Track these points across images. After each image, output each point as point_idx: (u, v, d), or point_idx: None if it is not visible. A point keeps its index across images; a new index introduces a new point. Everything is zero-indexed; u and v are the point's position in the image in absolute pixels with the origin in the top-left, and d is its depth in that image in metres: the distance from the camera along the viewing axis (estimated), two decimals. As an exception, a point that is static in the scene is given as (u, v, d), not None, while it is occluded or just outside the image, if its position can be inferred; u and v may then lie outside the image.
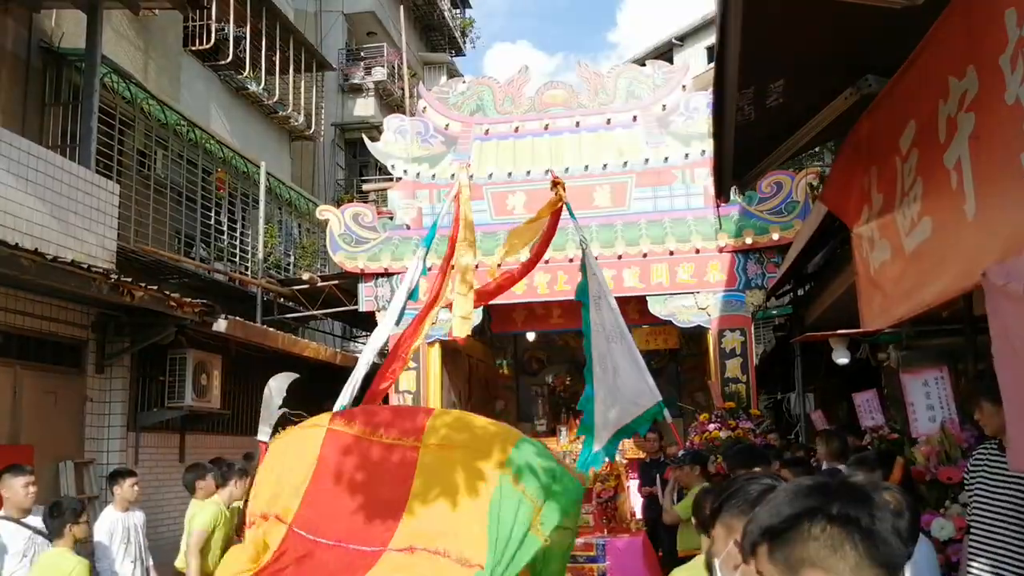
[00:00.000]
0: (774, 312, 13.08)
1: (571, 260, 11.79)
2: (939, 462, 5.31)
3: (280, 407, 11.61)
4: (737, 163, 5.67)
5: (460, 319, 8.04)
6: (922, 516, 4.98)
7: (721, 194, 6.07)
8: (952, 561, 4.90)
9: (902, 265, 4.39)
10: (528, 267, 8.61)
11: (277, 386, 11.73)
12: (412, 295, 9.26)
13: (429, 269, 10.06)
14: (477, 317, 12.70)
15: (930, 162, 3.86)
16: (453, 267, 9.04)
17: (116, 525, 7.93)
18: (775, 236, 12.03)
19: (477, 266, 9.07)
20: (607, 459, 8.89)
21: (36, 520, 6.84)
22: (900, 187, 4.29)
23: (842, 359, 8.59)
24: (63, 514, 6.50)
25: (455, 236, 8.67)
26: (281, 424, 11.46)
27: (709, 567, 2.73)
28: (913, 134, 4.11)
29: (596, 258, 12.21)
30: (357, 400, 9.21)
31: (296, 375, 12.24)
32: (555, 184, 8.50)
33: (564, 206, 8.53)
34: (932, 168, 3.83)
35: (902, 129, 4.23)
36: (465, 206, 8.15)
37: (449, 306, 8.88)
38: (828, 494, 1.66)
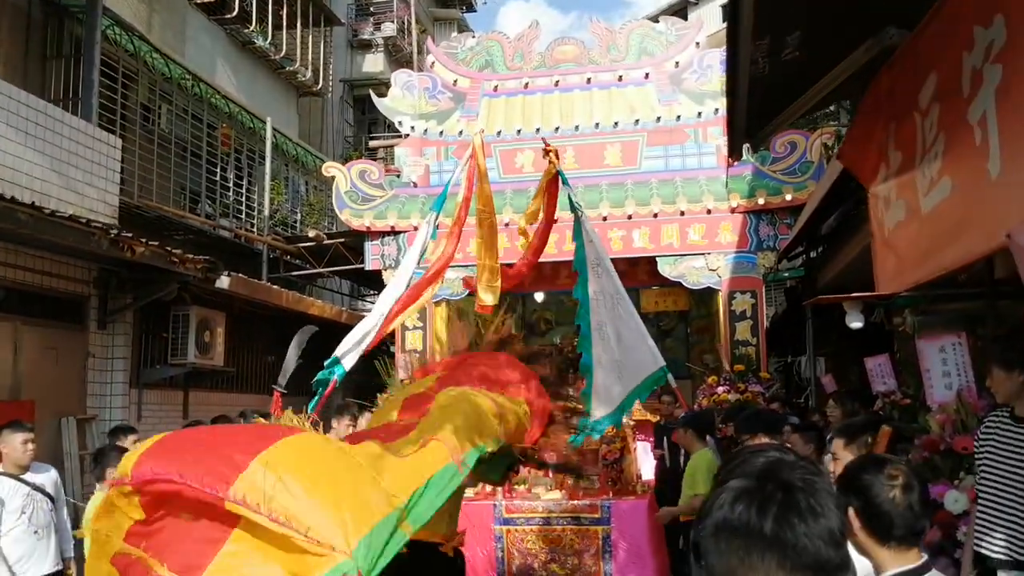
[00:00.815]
0: (786, 274, 12.90)
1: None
2: (954, 431, 5.16)
3: (298, 359, 11.56)
4: (750, 119, 5.49)
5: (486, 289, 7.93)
6: (935, 488, 4.83)
7: (733, 151, 5.89)
8: (961, 530, 4.76)
9: (919, 226, 4.22)
10: (538, 251, 8.42)
11: (299, 339, 11.67)
12: (420, 259, 9.14)
13: (439, 228, 9.93)
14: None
15: (952, 117, 3.68)
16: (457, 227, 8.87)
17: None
18: (788, 197, 11.83)
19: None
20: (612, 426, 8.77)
21: (35, 477, 6.80)
22: (920, 144, 4.11)
23: (856, 323, 8.40)
24: (105, 457, 6.57)
25: (468, 196, 8.51)
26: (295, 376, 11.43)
27: None
28: (934, 88, 3.92)
29: (605, 219, 12.12)
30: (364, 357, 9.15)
31: (316, 328, 12.21)
32: (547, 151, 8.31)
33: (558, 173, 8.35)
34: (954, 124, 3.65)
35: (922, 83, 4.04)
36: (486, 202, 7.96)
37: (482, 280, 8.72)
38: (737, 499, 1.55)
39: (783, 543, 1.47)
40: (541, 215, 8.27)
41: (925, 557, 2.76)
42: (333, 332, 13.81)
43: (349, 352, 8.67)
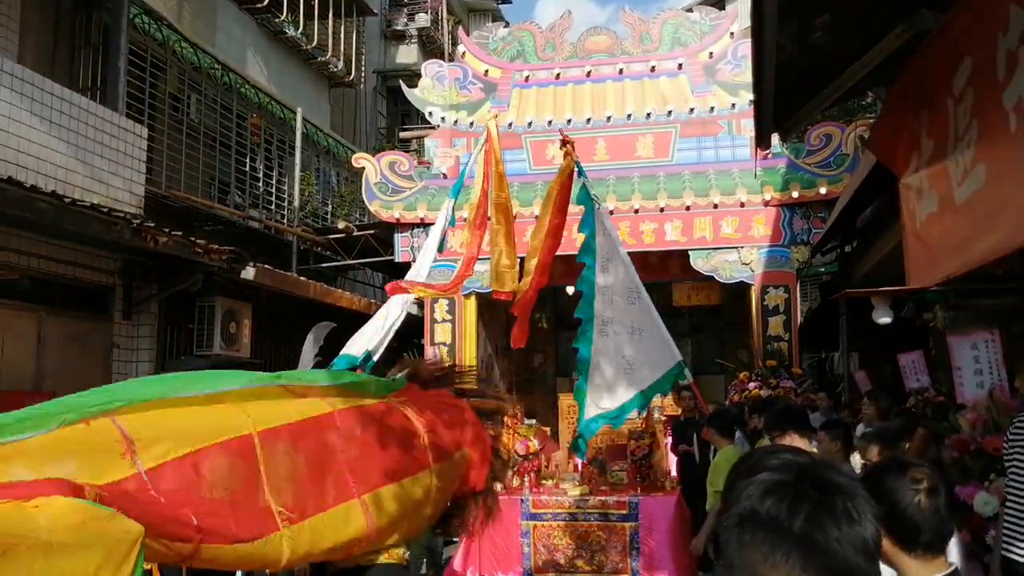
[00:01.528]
0: (821, 269, 12.70)
1: (611, 212, 11.45)
2: (985, 431, 4.97)
3: (316, 356, 11.47)
4: (779, 107, 5.31)
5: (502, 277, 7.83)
6: (965, 489, 4.65)
7: (762, 141, 5.71)
8: (990, 534, 4.58)
9: (951, 217, 4.04)
10: (552, 251, 8.25)
11: (315, 336, 11.60)
12: (440, 247, 9.04)
13: (459, 219, 9.82)
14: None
15: (987, 103, 3.50)
16: (490, 219, 8.78)
17: None
18: (823, 190, 11.62)
19: (516, 216, 8.84)
20: (610, 425, 8.64)
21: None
22: (953, 132, 3.93)
23: (884, 319, 8.21)
24: None
25: (485, 188, 8.39)
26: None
27: None
28: (969, 72, 3.74)
29: (637, 211, 11.96)
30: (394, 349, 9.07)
31: (333, 324, 12.13)
32: (564, 143, 8.15)
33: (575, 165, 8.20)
34: (989, 109, 3.47)
35: (956, 67, 3.86)
36: (500, 187, 7.82)
37: (498, 267, 8.57)
38: (769, 492, 1.45)
39: (812, 544, 1.38)
40: (548, 218, 8.12)
41: (953, 566, 2.61)
42: (363, 324, 13.78)
43: (380, 345, 8.61)
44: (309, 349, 11.58)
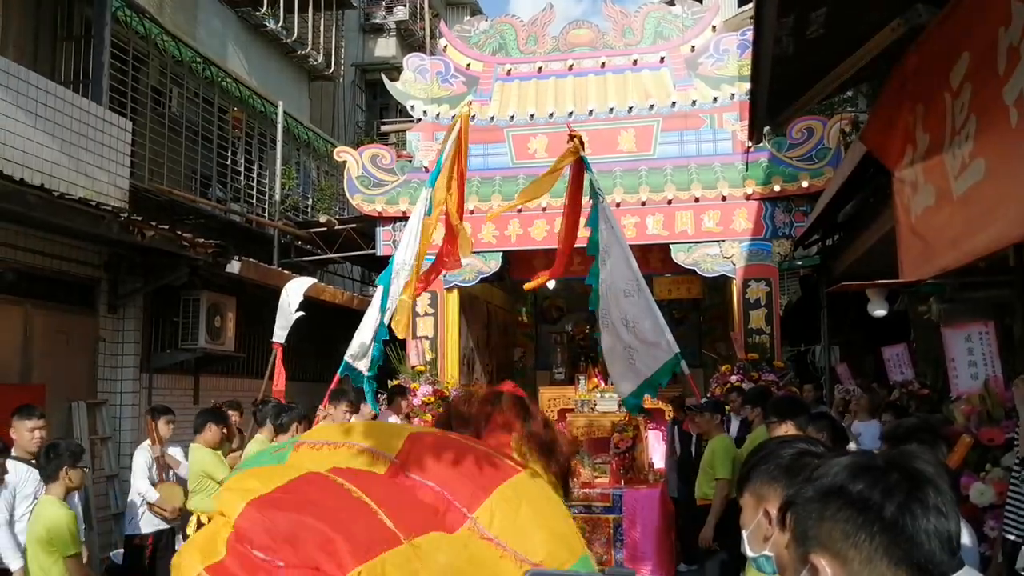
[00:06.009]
0: (799, 263, 12.77)
1: (593, 205, 11.52)
2: (980, 422, 5.02)
3: (296, 311, 11.33)
4: (772, 101, 5.37)
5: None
6: (961, 479, 4.72)
7: (754, 134, 5.77)
8: (989, 527, 4.65)
9: (949, 211, 4.10)
10: (570, 238, 8.44)
11: (295, 290, 11.46)
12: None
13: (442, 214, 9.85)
14: (496, 263, 12.55)
15: (986, 97, 3.56)
16: (473, 212, 8.89)
17: (151, 458, 8.38)
18: (804, 184, 11.66)
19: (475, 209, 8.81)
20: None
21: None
22: (950, 126, 3.99)
23: (879, 311, 8.27)
24: (60, 456, 6.30)
25: (462, 172, 8.51)
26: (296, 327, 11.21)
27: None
28: (967, 67, 3.80)
29: (618, 205, 11.98)
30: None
31: (314, 280, 12.03)
32: (571, 137, 8.23)
33: (581, 159, 8.30)
34: (988, 104, 3.53)
35: (953, 62, 3.92)
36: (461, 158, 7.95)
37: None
38: (860, 473, 1.46)
39: (900, 531, 1.41)
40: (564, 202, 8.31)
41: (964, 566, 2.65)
42: (345, 317, 13.76)
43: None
44: (291, 302, 11.37)
